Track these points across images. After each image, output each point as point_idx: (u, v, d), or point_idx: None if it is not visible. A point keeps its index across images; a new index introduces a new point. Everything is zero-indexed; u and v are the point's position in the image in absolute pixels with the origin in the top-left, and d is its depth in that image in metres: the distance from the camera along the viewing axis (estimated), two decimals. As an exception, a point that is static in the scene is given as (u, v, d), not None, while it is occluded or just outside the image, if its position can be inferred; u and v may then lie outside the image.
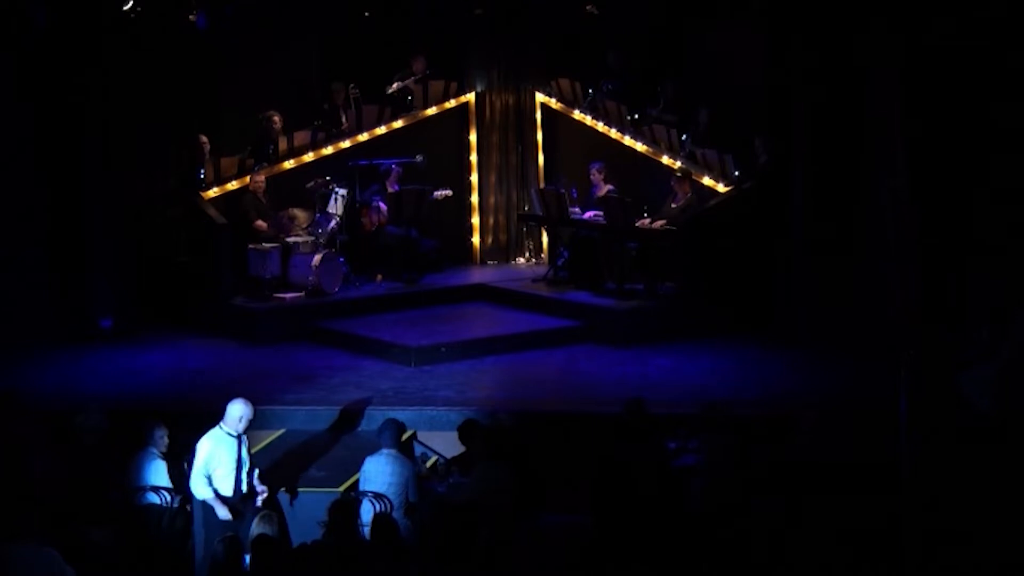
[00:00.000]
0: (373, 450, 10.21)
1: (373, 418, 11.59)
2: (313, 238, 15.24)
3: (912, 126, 13.04)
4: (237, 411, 9.89)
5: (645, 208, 15.15)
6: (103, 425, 10.51)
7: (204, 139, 15.65)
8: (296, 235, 15.24)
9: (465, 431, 10.51)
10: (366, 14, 16.89)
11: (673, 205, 15.02)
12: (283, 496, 10.15)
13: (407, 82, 16.98)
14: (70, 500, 9.89)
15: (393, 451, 10.12)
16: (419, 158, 16.43)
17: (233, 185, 15.71)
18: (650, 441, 10.42)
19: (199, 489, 9.75)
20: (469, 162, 17.58)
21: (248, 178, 15.56)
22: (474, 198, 17.60)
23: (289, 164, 16.07)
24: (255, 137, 16.04)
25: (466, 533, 8.38)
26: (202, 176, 15.51)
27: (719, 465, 9.95)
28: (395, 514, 9.71)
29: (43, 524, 8.72)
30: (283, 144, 16.11)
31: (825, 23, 13.28)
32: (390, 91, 16.93)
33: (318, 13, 16.61)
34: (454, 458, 10.70)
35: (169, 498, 10.13)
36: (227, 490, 9.77)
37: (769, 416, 11.34)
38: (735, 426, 10.71)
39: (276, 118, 15.96)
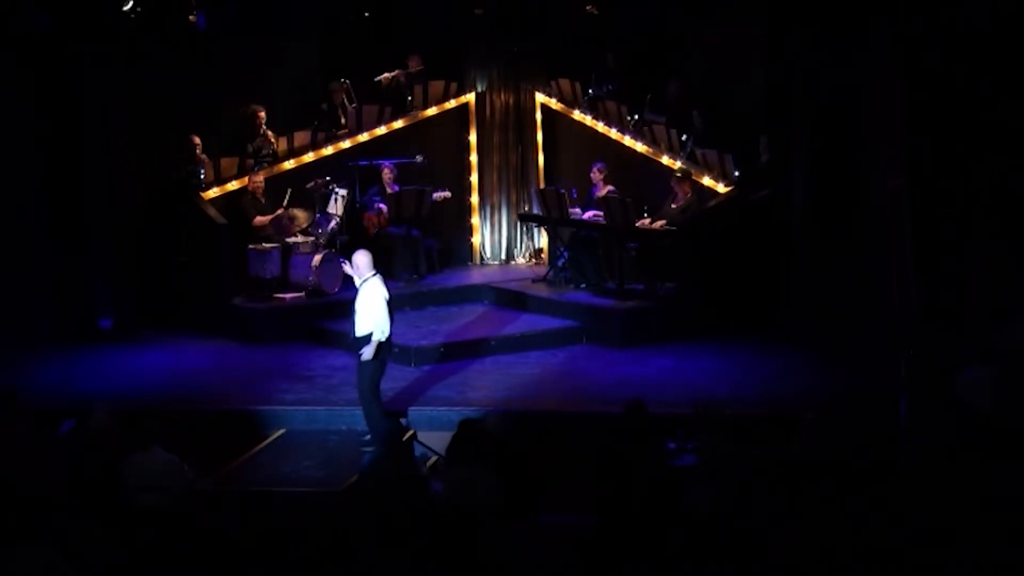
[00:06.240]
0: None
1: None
2: (313, 238, 15.25)
3: (912, 126, 13.04)
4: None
5: (645, 208, 15.14)
6: (111, 426, 10.49)
7: (196, 139, 15.61)
8: (296, 235, 15.25)
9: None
10: (366, 14, 16.90)
11: (673, 205, 15.01)
12: None
13: (395, 73, 16.99)
14: (70, 500, 9.87)
15: None
16: (419, 158, 16.44)
17: (233, 185, 15.72)
18: (650, 441, 10.42)
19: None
20: (469, 162, 17.57)
21: (247, 178, 15.56)
22: (474, 198, 17.60)
23: (289, 164, 16.07)
24: (246, 134, 16.05)
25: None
26: (202, 175, 15.49)
27: (717, 466, 9.94)
28: None
29: (43, 523, 8.70)
30: (283, 144, 16.12)
31: (825, 23, 13.27)
32: (377, 79, 16.94)
33: (318, 13, 16.61)
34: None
35: None
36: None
37: (769, 416, 11.34)
38: (734, 426, 10.71)
39: (261, 113, 15.95)
